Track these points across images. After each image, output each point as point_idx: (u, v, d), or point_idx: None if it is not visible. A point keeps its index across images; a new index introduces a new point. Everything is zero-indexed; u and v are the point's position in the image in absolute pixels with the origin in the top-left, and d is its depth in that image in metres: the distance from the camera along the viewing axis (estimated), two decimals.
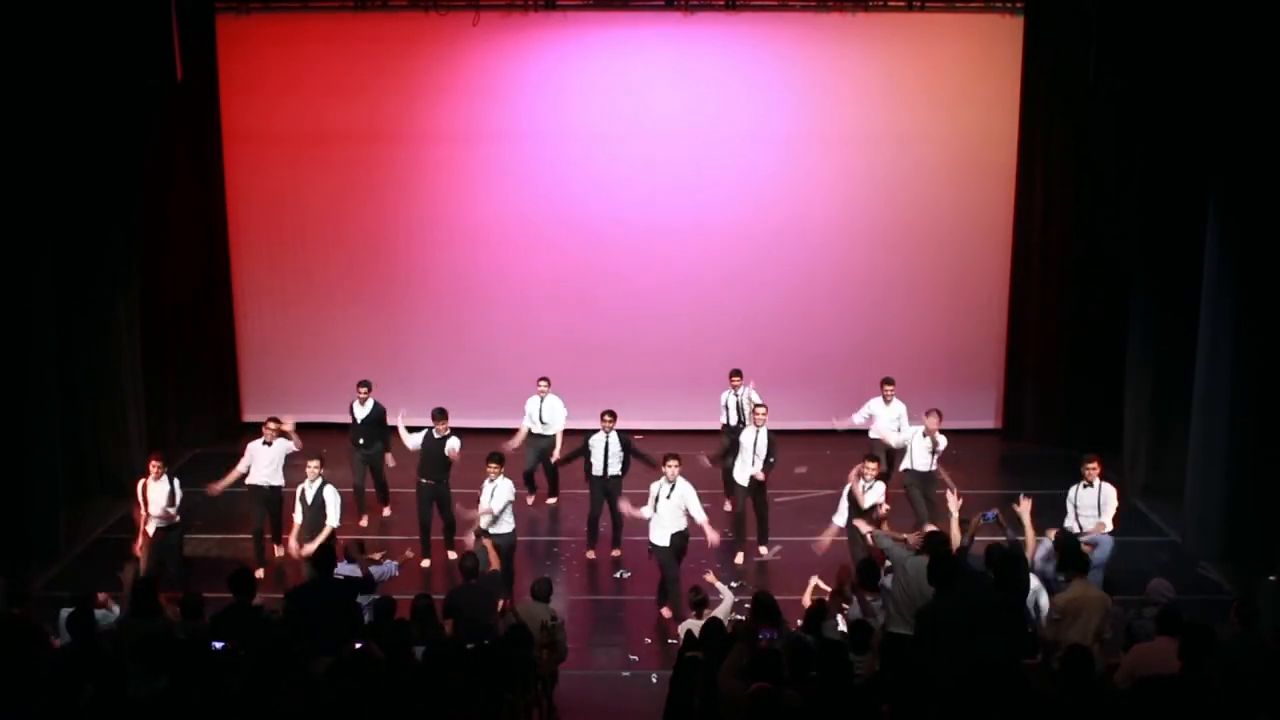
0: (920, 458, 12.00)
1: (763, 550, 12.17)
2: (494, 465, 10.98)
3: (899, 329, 15.66)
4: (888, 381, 13.02)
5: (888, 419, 12.89)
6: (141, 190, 14.24)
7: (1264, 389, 11.75)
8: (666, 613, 10.90)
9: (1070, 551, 8.59)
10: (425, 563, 12.07)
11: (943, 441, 11.99)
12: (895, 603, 8.49)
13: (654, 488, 10.83)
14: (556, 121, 15.40)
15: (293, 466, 11.86)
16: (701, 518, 10.77)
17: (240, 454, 12.12)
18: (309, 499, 10.97)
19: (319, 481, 10.99)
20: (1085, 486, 10.75)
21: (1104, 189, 14.79)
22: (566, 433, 13.23)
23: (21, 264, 11.82)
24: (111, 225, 13.52)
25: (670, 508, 10.73)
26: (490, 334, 15.70)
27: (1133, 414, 13.88)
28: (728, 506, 12.86)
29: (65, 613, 8.21)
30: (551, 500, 13.53)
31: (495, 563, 9.90)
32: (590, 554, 12.34)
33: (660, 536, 10.80)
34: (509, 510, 10.92)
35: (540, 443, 13.23)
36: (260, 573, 11.76)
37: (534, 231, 15.65)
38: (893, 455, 12.65)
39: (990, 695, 6.32)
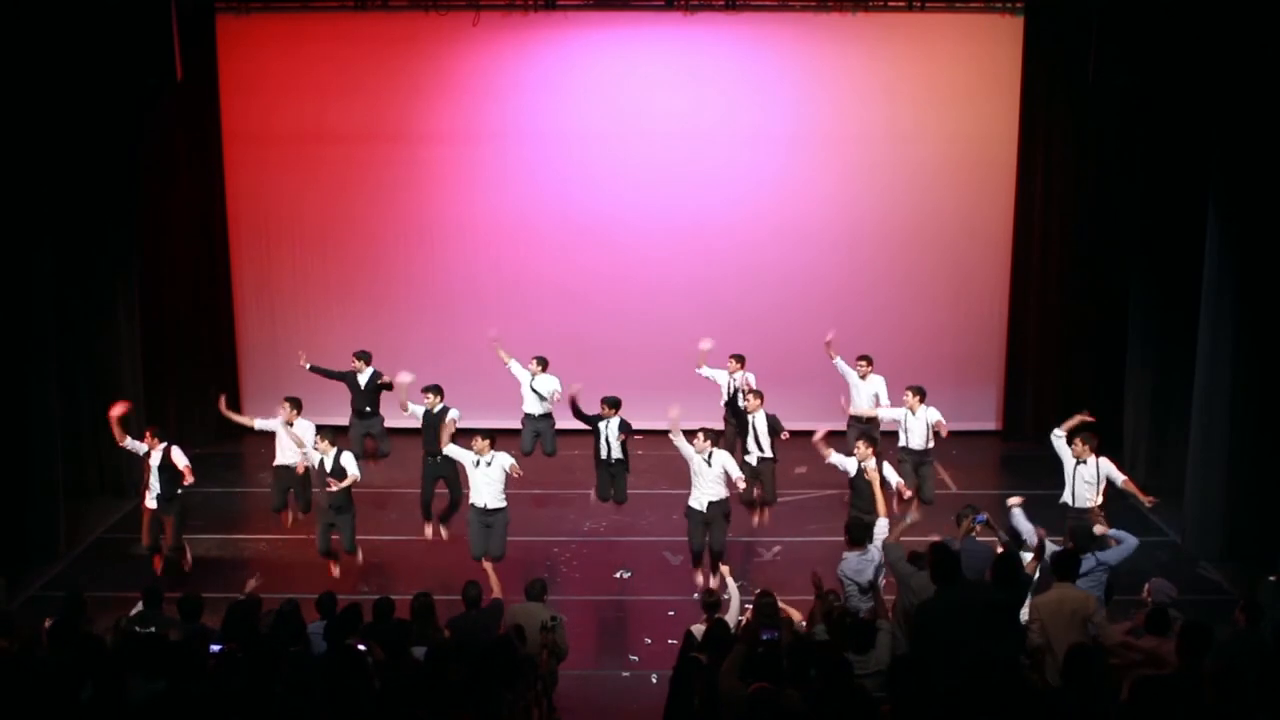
0: (915, 437, 12.17)
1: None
2: (483, 440, 11.01)
3: (899, 329, 15.64)
4: (863, 359, 13.14)
5: (865, 393, 13.03)
6: (141, 190, 14.24)
7: (1264, 389, 11.75)
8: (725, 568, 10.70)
9: (1060, 559, 8.38)
10: (428, 532, 12.40)
11: (933, 415, 12.17)
12: (901, 621, 8.45)
13: (691, 456, 11.08)
14: (556, 121, 15.40)
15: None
16: (737, 473, 11.22)
17: (240, 454, 12.19)
18: (327, 468, 11.14)
19: (334, 451, 11.16)
20: (1080, 464, 10.79)
21: (1104, 189, 14.80)
22: (571, 432, 13.22)
23: (21, 264, 11.82)
24: (111, 225, 13.52)
25: (711, 475, 11.06)
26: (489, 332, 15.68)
27: (1133, 414, 13.88)
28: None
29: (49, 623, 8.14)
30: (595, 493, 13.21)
31: (498, 589, 9.70)
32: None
33: (699, 503, 11.14)
34: (502, 488, 11.04)
35: (537, 424, 13.27)
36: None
37: (534, 231, 15.65)
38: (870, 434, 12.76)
39: (990, 695, 6.32)
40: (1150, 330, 13.59)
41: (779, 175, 15.50)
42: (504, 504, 11.11)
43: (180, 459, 11.25)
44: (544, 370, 13.21)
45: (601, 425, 12.24)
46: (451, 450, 11.32)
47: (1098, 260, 15.02)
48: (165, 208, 14.96)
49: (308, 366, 13.15)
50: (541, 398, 13.14)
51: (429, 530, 12.42)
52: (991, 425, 15.83)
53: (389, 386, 12.91)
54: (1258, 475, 11.79)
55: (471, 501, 11.18)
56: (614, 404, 12.33)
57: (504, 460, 11.04)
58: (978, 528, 9.54)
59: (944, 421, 12.19)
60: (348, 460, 11.26)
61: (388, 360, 15.32)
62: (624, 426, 12.29)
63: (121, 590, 10.65)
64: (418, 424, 12.41)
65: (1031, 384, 15.59)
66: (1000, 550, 8.86)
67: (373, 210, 15.66)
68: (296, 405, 12.14)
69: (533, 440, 13.31)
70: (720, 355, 13.50)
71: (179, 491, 11.28)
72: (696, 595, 10.81)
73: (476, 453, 11.02)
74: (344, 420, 13.16)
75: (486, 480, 11.01)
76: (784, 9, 15.11)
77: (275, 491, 12.35)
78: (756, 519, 12.56)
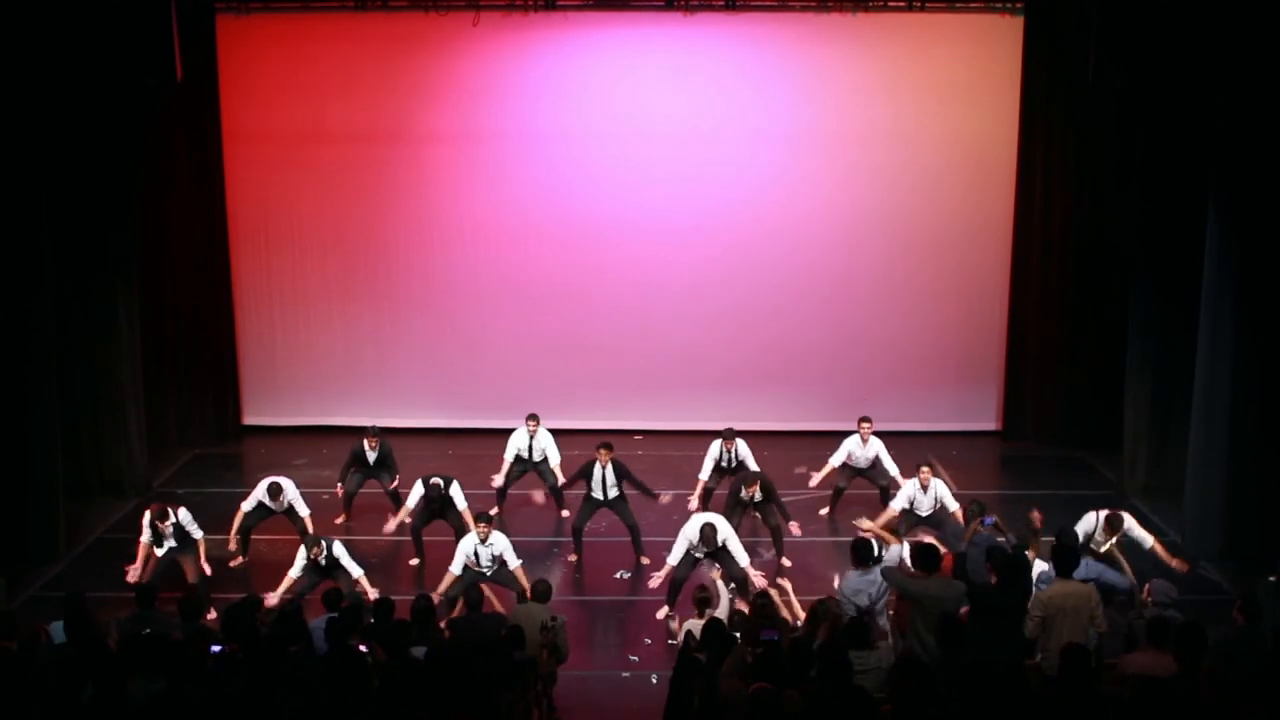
0: (924, 510, 11.63)
1: (785, 562, 12.05)
2: (483, 525, 10.53)
3: (899, 329, 15.66)
4: (864, 420, 12.86)
5: (864, 458, 12.86)
6: (141, 190, 14.24)
7: (1264, 389, 11.75)
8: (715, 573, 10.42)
9: (1060, 555, 8.45)
10: (414, 561, 12.11)
11: (947, 496, 11.64)
12: (920, 638, 8.45)
13: (686, 546, 10.65)
14: (556, 121, 15.40)
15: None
16: (745, 561, 10.61)
17: (240, 454, 12.16)
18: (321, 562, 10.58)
19: (325, 550, 10.51)
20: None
21: (1104, 188, 14.80)
22: (566, 432, 13.16)
23: (21, 264, 11.82)
24: (111, 225, 13.51)
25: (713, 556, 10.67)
26: (490, 334, 15.69)
27: (1133, 414, 13.88)
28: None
29: (57, 625, 8.19)
30: (565, 513, 13.23)
31: (498, 606, 9.58)
32: (572, 558, 12.24)
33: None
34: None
35: (532, 466, 13.04)
36: (236, 562, 11.97)
37: (533, 231, 15.65)
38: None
39: (991, 696, 6.33)
40: (1150, 330, 13.59)
41: (779, 175, 15.49)
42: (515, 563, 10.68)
43: (191, 525, 10.89)
44: (538, 426, 12.95)
45: (595, 470, 11.91)
46: (455, 565, 10.59)
47: (1098, 260, 15.02)
48: (165, 208, 14.97)
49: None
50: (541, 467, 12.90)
51: (414, 560, 12.11)
52: (991, 425, 15.83)
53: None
54: (1258, 475, 11.78)
55: (467, 565, 10.58)
56: (609, 448, 11.99)
57: (502, 546, 10.59)
58: (986, 529, 9.52)
59: (952, 505, 11.57)
60: (343, 556, 10.64)
61: (387, 360, 15.38)
62: (620, 473, 11.97)
63: (121, 590, 10.66)
64: (421, 426, 12.31)
65: (1031, 384, 15.59)
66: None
67: (373, 210, 15.66)
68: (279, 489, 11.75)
69: (518, 476, 13.04)
70: (711, 368, 13.33)
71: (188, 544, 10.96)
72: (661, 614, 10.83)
73: (481, 540, 10.47)
74: (344, 420, 13.07)
75: (489, 563, 10.57)
76: (784, 9, 15.10)
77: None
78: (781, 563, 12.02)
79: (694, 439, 13.60)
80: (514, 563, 10.62)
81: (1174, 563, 10.35)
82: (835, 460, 12.96)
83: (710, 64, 15.24)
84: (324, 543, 10.52)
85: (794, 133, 15.37)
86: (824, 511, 12.95)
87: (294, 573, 10.64)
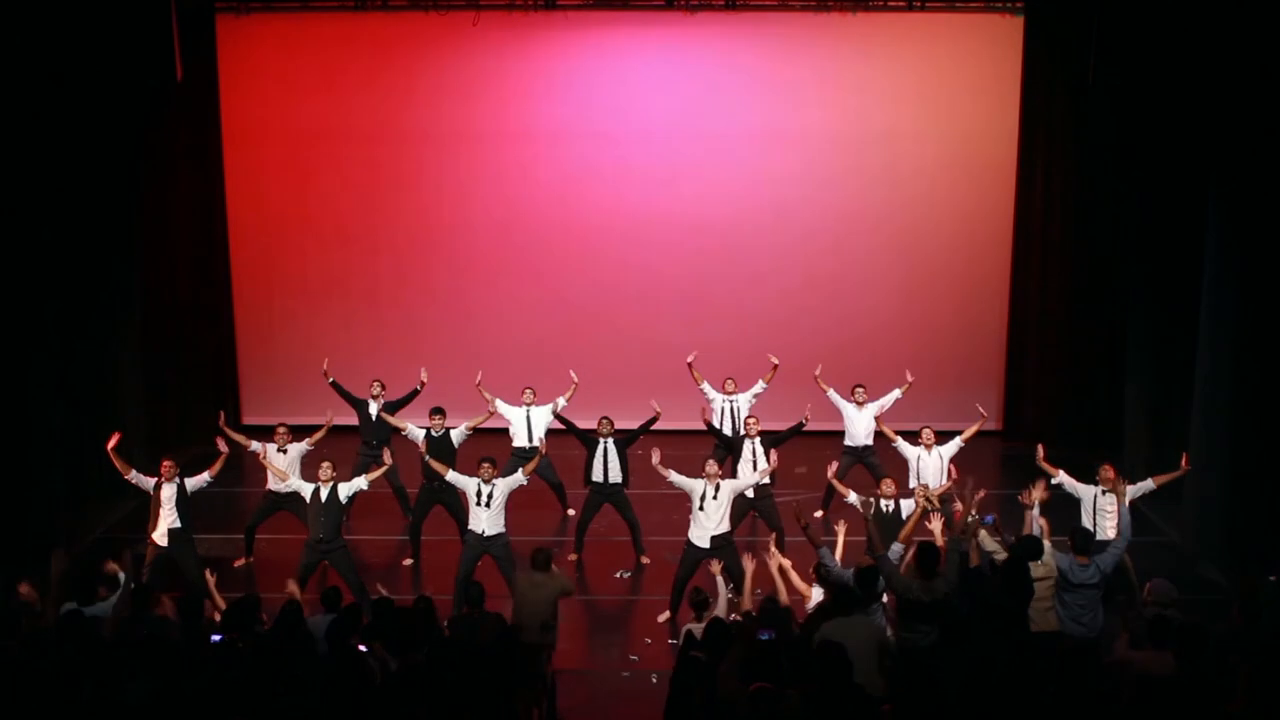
0: (929, 477, 11.68)
1: (785, 562, 12.01)
2: (487, 466, 10.62)
3: (899, 329, 15.68)
4: (858, 387, 12.91)
5: (861, 422, 12.83)
6: (141, 191, 14.25)
7: (1264, 389, 11.74)
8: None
9: (1028, 543, 8.73)
10: (407, 561, 12.11)
11: (946, 451, 11.72)
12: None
13: (697, 487, 10.53)
14: (556, 121, 15.43)
15: (306, 465, 11.83)
16: (753, 478, 11.06)
17: (240, 454, 12.13)
18: (323, 499, 10.67)
19: (331, 484, 10.68)
20: (1105, 492, 10.53)
21: (1104, 189, 14.81)
22: (566, 434, 13.13)
23: (21, 264, 11.82)
24: (112, 225, 13.54)
25: (716, 508, 10.48)
26: (489, 333, 15.72)
27: (1132, 414, 13.88)
28: None
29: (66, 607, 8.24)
30: (571, 512, 13.20)
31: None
32: (573, 557, 12.22)
33: (700, 538, 10.54)
34: (502, 515, 10.67)
35: (527, 459, 13.02)
36: (240, 562, 11.99)
37: (533, 231, 15.68)
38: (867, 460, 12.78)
39: (991, 694, 6.33)
40: (1150, 330, 13.59)
41: (779, 175, 15.51)
42: (503, 529, 10.66)
43: (198, 481, 10.87)
44: (536, 398, 12.89)
45: (598, 444, 11.91)
46: (454, 477, 10.86)
47: (1098, 260, 15.03)
48: (165, 208, 14.98)
49: (329, 380, 12.75)
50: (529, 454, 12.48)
51: (408, 560, 12.12)
52: (991, 425, 15.81)
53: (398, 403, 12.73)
54: (1258, 475, 11.78)
55: (470, 527, 10.69)
56: (610, 422, 12.01)
57: (510, 482, 10.74)
58: (985, 529, 9.49)
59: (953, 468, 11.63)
60: (346, 489, 10.71)
61: (387, 359, 15.37)
62: (620, 445, 11.97)
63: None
64: (421, 425, 12.29)
65: (1031, 384, 15.61)
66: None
67: (372, 210, 15.69)
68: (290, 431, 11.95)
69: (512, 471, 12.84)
70: (712, 370, 13.37)
71: (190, 533, 10.89)
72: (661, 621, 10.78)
73: (484, 480, 10.59)
74: (343, 420, 13.03)
75: (487, 507, 10.61)
76: (784, 9, 15.13)
77: (258, 511, 12.07)
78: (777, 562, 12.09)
79: (694, 439, 13.59)
80: (521, 479, 10.88)
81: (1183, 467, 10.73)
82: (832, 396, 12.88)
83: (710, 64, 15.26)
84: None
85: (794, 133, 15.40)
86: (818, 514, 12.95)
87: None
